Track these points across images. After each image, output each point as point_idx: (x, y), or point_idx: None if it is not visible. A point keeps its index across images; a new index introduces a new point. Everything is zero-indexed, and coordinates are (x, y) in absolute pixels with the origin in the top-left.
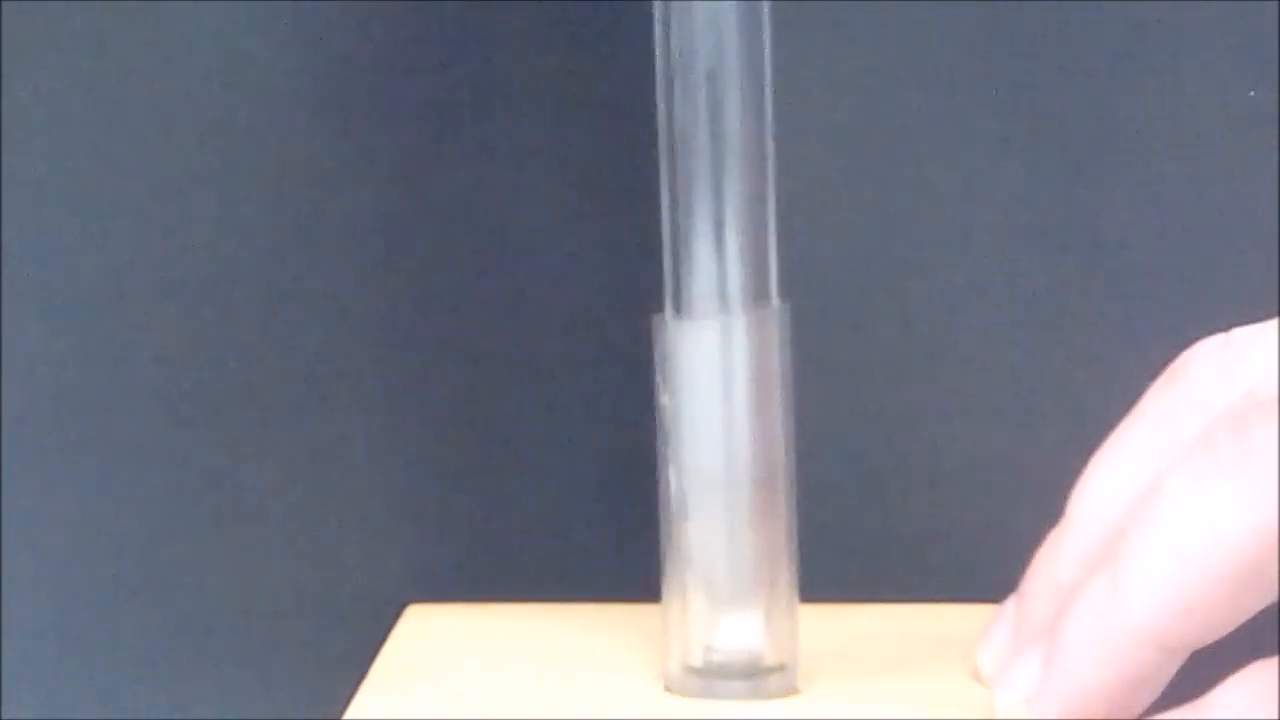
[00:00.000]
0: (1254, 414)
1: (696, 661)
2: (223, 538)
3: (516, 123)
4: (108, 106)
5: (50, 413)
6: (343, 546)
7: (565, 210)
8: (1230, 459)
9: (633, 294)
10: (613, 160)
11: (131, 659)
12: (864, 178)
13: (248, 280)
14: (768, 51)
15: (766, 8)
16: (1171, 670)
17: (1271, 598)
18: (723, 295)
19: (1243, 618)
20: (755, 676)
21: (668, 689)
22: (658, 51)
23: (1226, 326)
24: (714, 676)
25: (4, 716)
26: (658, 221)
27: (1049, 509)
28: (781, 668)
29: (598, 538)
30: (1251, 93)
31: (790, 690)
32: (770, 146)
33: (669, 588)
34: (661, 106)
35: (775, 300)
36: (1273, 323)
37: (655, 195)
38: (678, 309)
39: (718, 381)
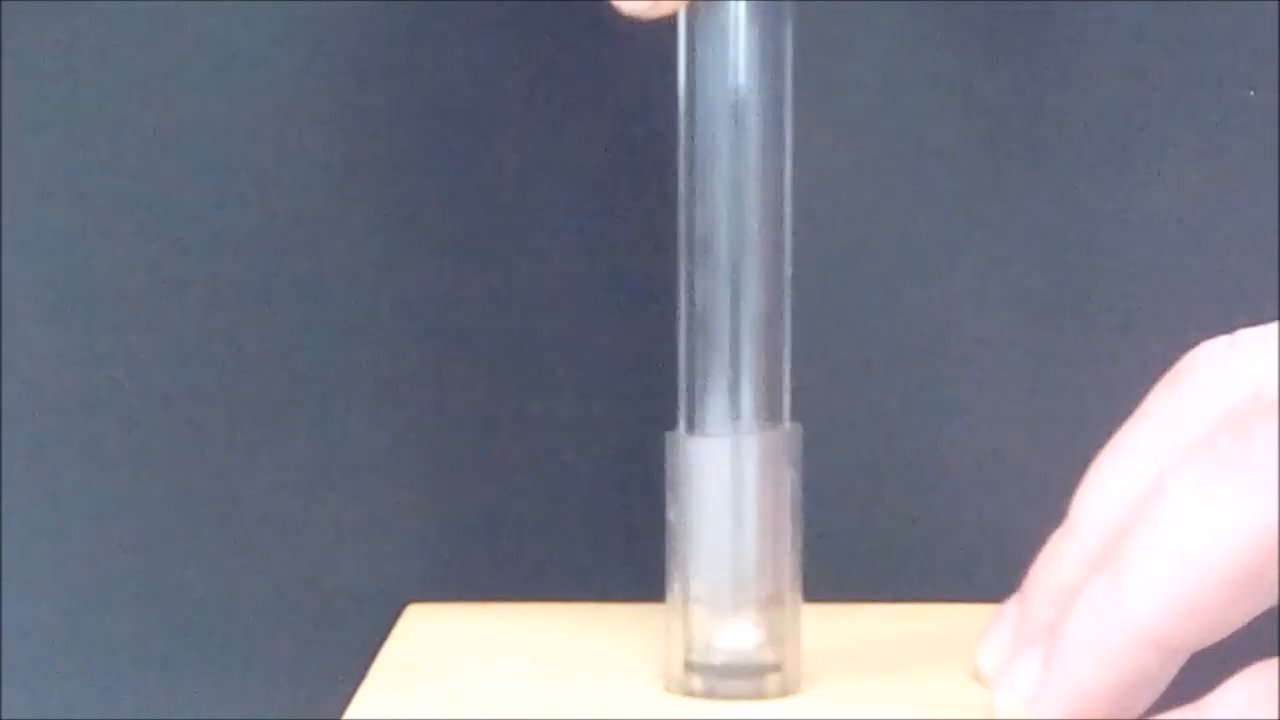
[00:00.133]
0: (1256, 416)
1: (697, 661)
2: (223, 538)
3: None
4: (108, 106)
5: (50, 413)
6: (343, 546)
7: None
8: (1232, 461)
9: (634, 290)
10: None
11: (131, 659)
12: (864, 178)
13: (248, 280)
14: (788, 200)
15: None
16: (1172, 671)
17: (1272, 600)
18: (735, 414)
19: (1243, 619)
20: (755, 676)
21: (668, 689)
22: (680, 206)
23: (1228, 327)
24: (714, 676)
25: (4, 717)
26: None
27: (1049, 509)
28: (782, 668)
29: (598, 538)
30: (1251, 93)
31: (790, 690)
32: (788, 268)
33: (670, 588)
34: (682, 220)
35: (787, 422)
36: (1277, 325)
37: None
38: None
39: (728, 498)
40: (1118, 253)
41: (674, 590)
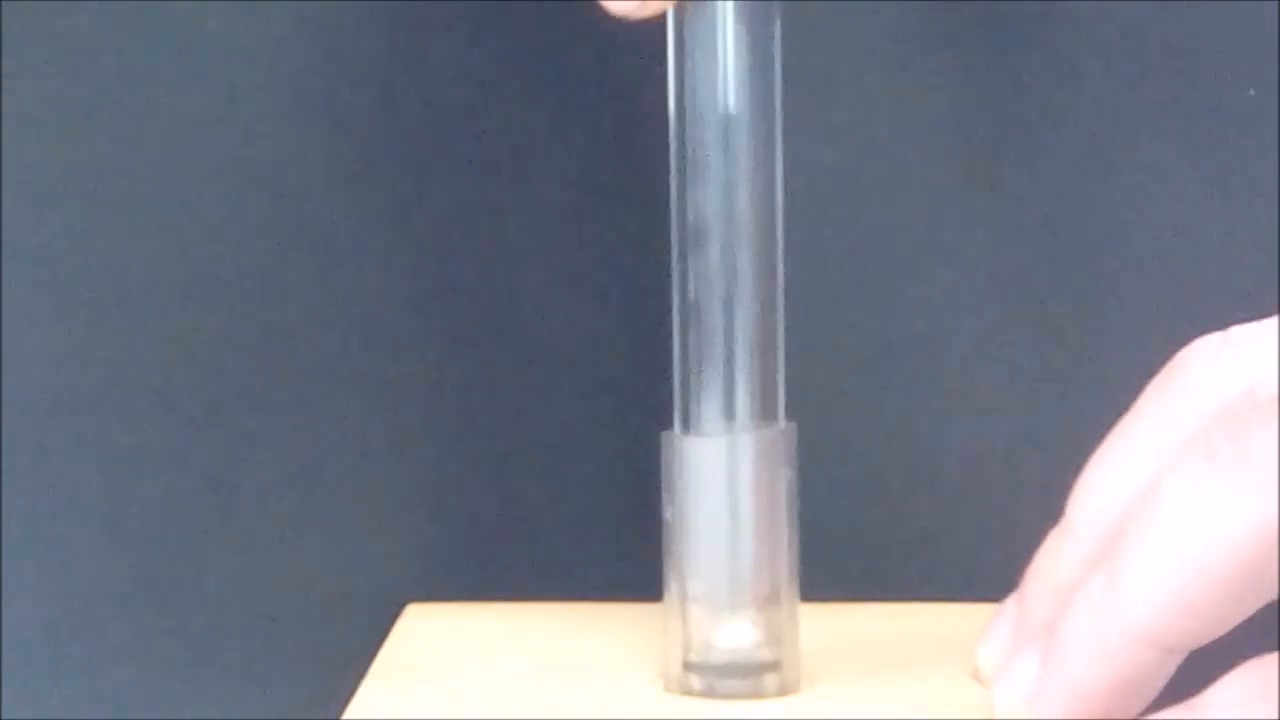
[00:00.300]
0: (1253, 414)
1: (696, 661)
2: (223, 538)
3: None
4: (107, 106)
5: (50, 413)
6: (343, 546)
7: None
8: (1228, 459)
9: (630, 289)
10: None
11: (131, 659)
12: (859, 176)
13: (248, 280)
14: (779, 199)
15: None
16: (1170, 670)
17: (1270, 597)
18: (730, 414)
19: (1241, 617)
20: (755, 676)
21: (668, 689)
22: (673, 205)
23: (1225, 325)
24: (714, 676)
25: (4, 717)
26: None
27: (1049, 509)
28: (780, 666)
29: (598, 538)
30: (1251, 93)
31: (790, 690)
32: (782, 267)
33: (667, 587)
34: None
35: (782, 421)
36: (1272, 321)
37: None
38: (686, 427)
39: (723, 497)
40: (1116, 252)
41: (671, 590)
